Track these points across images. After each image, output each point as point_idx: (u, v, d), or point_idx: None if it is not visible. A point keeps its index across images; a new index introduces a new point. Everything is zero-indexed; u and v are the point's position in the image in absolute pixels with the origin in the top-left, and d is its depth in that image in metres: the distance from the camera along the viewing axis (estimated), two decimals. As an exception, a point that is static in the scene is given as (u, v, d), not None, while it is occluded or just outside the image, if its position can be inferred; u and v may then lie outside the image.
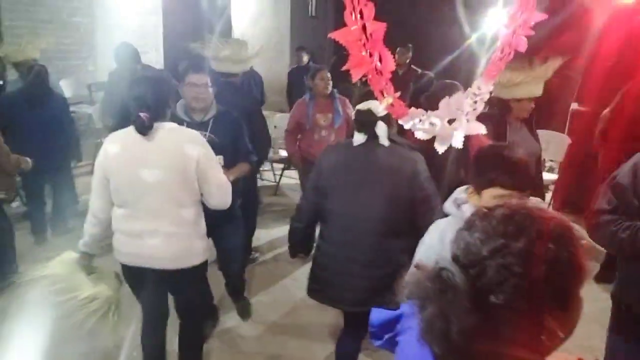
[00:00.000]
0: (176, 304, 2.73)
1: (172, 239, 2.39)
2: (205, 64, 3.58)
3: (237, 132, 3.22)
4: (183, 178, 2.34)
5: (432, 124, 1.82)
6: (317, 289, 2.66)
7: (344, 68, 1.76)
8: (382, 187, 2.45)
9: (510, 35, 1.99)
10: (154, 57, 9.01)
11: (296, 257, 3.00)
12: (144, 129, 2.28)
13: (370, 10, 1.58)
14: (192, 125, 2.93)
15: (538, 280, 0.85)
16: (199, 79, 2.97)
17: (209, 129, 3.05)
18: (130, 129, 2.33)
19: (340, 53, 5.11)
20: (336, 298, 2.60)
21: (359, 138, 2.48)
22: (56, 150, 4.68)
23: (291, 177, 6.64)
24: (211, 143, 2.58)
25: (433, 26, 9.37)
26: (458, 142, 1.76)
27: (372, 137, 2.46)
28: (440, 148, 1.87)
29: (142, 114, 2.25)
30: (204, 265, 2.57)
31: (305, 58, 7.94)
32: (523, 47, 2.01)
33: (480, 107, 1.98)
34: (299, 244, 2.82)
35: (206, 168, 2.38)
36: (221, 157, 2.99)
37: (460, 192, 1.93)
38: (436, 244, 1.85)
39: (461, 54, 7.15)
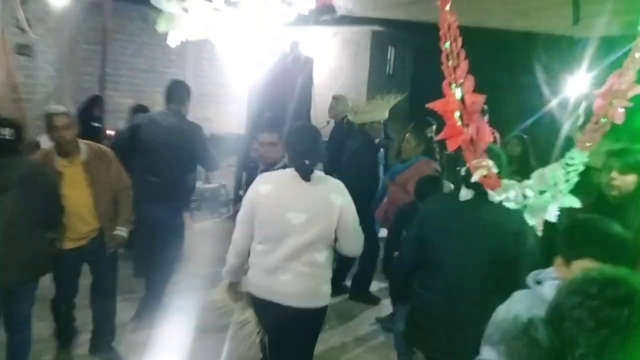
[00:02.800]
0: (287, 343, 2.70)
1: (301, 279, 2.51)
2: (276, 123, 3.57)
3: None
4: (325, 224, 2.49)
5: (524, 195, 1.80)
6: (419, 337, 2.60)
7: (439, 137, 1.81)
8: (487, 243, 2.38)
9: (605, 105, 1.96)
10: (237, 108, 9.44)
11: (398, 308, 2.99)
12: (308, 175, 2.49)
13: (470, 83, 1.63)
14: None
15: (609, 338, 0.94)
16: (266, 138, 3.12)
17: None
18: (282, 172, 2.56)
19: (421, 119, 5.13)
20: (439, 348, 2.51)
21: (465, 194, 2.42)
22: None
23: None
24: None
25: (509, 90, 9.33)
26: (552, 216, 1.73)
27: (482, 193, 2.37)
28: (531, 221, 1.85)
29: (307, 161, 2.48)
30: (325, 310, 2.64)
31: None
32: (620, 119, 1.97)
33: (575, 179, 1.94)
34: (400, 293, 2.81)
35: (348, 218, 2.52)
36: None
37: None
38: (504, 317, 1.81)
39: (540, 120, 7.03)
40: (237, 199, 6.61)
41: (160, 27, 1.69)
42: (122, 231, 3.37)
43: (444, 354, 2.53)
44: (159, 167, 3.89)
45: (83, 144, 3.33)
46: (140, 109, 6.12)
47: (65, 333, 3.41)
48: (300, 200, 2.49)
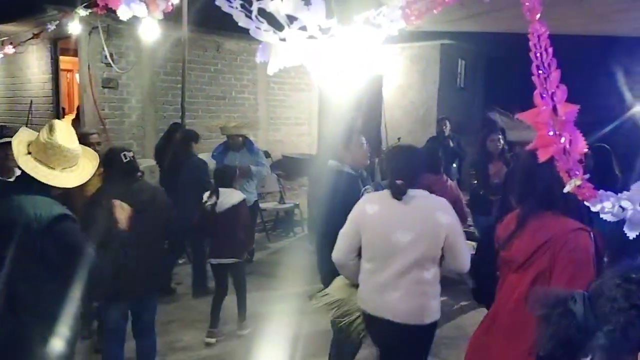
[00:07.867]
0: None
1: (410, 296, 2.54)
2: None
3: None
4: (432, 242, 2.51)
5: (622, 207, 1.71)
6: None
7: (529, 148, 1.75)
8: None
9: None
10: (307, 129, 9.61)
11: None
12: (399, 195, 2.55)
13: (562, 93, 1.57)
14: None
15: (636, 318, 1.01)
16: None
17: None
18: (386, 192, 2.62)
19: (491, 127, 5.00)
20: None
21: None
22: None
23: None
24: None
25: (587, 96, 8.91)
26: (655, 227, 1.64)
27: None
28: (630, 234, 1.74)
29: (398, 182, 2.55)
30: (434, 326, 2.65)
31: (448, 128, 7.66)
32: None
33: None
34: None
35: (455, 236, 2.54)
36: None
37: None
38: None
39: (621, 125, 6.65)
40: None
41: (259, 57, 1.76)
42: None
43: None
44: None
45: None
46: (175, 128, 6.42)
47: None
48: (406, 219, 2.53)
